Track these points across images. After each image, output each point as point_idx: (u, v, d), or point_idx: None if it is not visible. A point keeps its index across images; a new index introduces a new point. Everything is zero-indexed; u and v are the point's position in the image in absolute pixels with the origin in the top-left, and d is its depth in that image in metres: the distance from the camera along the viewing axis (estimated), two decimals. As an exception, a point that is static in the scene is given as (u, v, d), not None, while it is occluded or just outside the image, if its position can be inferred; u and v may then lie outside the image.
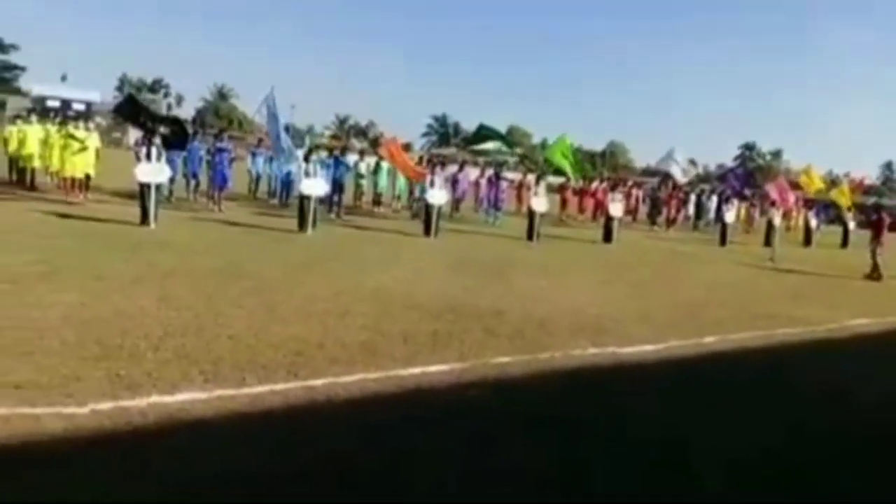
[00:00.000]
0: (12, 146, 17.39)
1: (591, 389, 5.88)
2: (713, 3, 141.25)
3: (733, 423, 5.36)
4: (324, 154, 18.96)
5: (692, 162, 25.36)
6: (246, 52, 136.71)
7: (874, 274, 16.09)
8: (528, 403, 5.35)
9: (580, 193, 27.05)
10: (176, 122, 14.34)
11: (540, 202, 18.12)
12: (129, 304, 6.86)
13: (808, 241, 25.78)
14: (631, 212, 26.84)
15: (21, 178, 17.48)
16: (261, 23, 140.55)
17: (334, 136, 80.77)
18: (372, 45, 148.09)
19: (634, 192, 29.19)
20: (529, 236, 17.48)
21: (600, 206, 24.13)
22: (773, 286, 13.65)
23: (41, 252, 9.10)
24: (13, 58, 74.23)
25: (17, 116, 19.63)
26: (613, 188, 22.19)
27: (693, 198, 29.98)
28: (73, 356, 5.15)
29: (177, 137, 13.79)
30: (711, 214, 28.15)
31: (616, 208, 19.65)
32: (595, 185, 27.81)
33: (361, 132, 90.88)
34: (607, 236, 19.12)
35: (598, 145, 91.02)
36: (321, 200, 15.97)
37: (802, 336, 8.86)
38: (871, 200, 52.56)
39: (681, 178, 25.18)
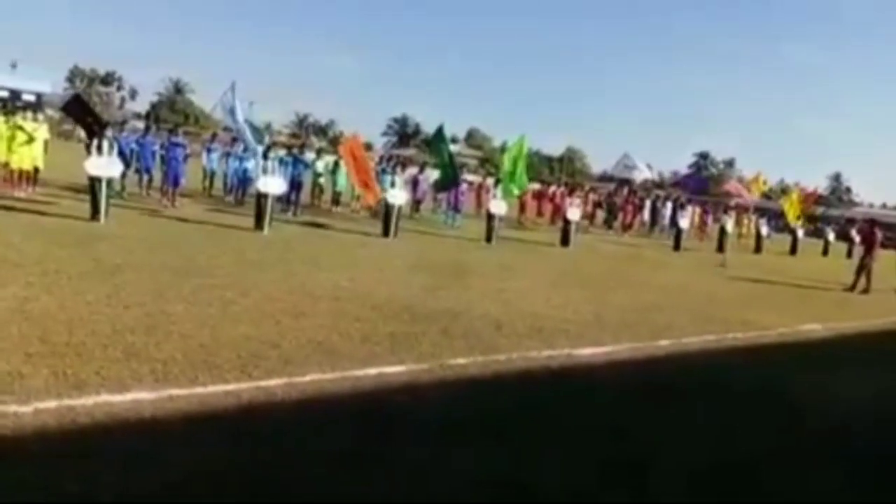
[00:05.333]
0: (-44, 137, 16.74)
1: (545, 391, 5.91)
2: (671, 13, 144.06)
3: (680, 425, 5.45)
4: (282, 152, 18.76)
5: (648, 166, 26.07)
6: (204, 47, 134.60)
7: (867, 287, 16.09)
8: (484, 404, 5.35)
9: (538, 197, 27.26)
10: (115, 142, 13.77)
11: (498, 205, 18.21)
12: (76, 300, 6.66)
13: (758, 247, 26.43)
14: (588, 216, 27.16)
15: (-35, 169, 16.85)
16: (220, 18, 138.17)
17: (293, 135, 79.97)
18: (332, 43, 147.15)
19: (591, 196, 29.59)
20: (488, 238, 17.54)
21: (558, 210, 24.34)
22: (726, 291, 13.94)
23: (-16, 246, 8.79)
24: (-42, 46, 71.64)
25: (-38, 106, 18.97)
26: (571, 192, 22.44)
27: (648, 203, 30.56)
28: (17, 352, 4.97)
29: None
30: (666, 220, 28.68)
31: (574, 212, 19.84)
32: (553, 189, 28.08)
33: (321, 130, 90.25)
34: (564, 240, 19.30)
35: (556, 150, 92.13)
36: (278, 199, 15.77)
37: (754, 340, 9.06)
38: (820, 210, 54.27)
39: (649, 176, 25.94)
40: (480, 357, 6.44)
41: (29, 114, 17.50)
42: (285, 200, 17.95)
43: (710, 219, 30.80)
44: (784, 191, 54.13)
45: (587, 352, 7.19)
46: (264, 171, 14.73)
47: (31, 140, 15.49)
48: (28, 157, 15.49)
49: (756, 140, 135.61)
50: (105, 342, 5.49)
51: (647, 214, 30.06)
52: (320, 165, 21.48)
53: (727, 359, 7.99)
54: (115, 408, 4.29)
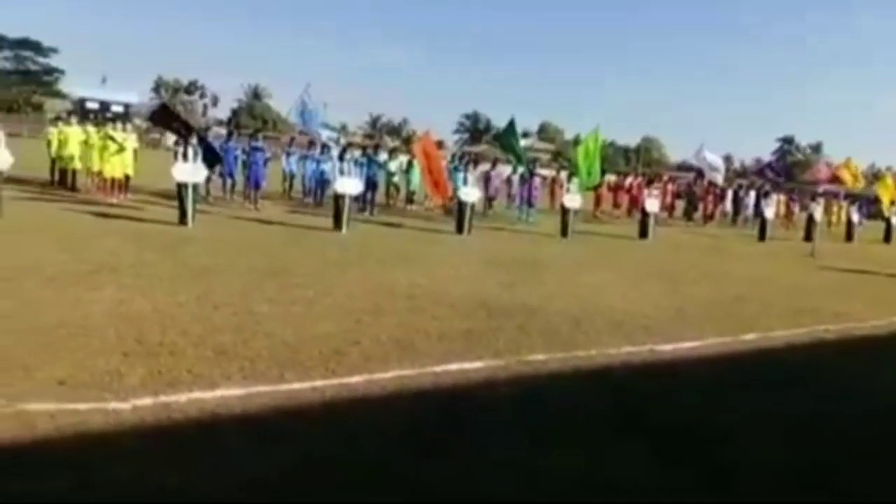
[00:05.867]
0: (54, 148, 17.74)
1: (626, 388, 5.81)
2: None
3: (770, 424, 5.26)
4: (357, 153, 19.07)
5: (727, 158, 25.35)
6: (279, 51, 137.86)
7: None
8: (564, 401, 5.31)
9: (615, 189, 26.74)
10: (203, 141, 14.26)
11: (573, 198, 18.01)
12: (168, 301, 6.97)
13: (849, 236, 25.23)
14: (667, 208, 26.48)
15: (62, 179, 17.81)
16: (294, 22, 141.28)
17: (368, 135, 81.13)
18: (401, 42, 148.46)
19: (670, 187, 28.79)
20: (563, 233, 17.37)
21: (635, 202, 23.82)
22: (816, 281, 13.37)
23: (81, 251, 9.29)
24: (53, 61, 75.44)
25: (58, 118, 20.07)
26: (649, 183, 21.94)
27: (730, 193, 29.54)
28: (115, 353, 5.25)
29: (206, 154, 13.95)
30: (750, 210, 27.66)
31: (652, 204, 19.40)
32: (630, 180, 27.45)
33: (394, 130, 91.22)
34: (643, 232, 18.89)
35: (632, 140, 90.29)
36: (355, 199, 16.05)
37: (847, 333, 8.64)
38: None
39: (719, 180, 25.46)
40: (559, 353, 6.39)
41: (118, 124, 18.47)
42: (361, 200, 18.27)
43: (796, 207, 29.55)
44: (876, 175, 51.40)
45: (669, 347, 7.03)
46: (341, 172, 15.03)
47: (121, 149, 16.31)
48: (119, 165, 16.30)
49: (844, 123, 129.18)
50: (196, 341, 5.73)
51: (729, 204, 29.07)
52: (393, 165, 21.71)
53: (819, 353, 7.64)
54: (206, 404, 4.48)
